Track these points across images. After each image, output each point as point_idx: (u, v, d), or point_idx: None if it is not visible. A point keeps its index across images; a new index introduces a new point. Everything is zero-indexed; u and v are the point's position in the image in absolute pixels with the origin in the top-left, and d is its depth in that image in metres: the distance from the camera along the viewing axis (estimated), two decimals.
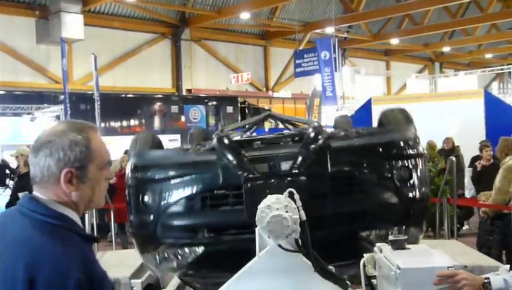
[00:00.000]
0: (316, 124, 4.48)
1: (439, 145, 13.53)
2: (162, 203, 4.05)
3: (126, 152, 14.95)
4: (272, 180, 3.79)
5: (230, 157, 3.93)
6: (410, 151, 4.20)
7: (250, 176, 3.80)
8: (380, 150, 4.15)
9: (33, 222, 1.89)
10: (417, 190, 4.07)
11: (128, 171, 4.29)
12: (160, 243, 4.09)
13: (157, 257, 4.14)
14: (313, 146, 4.00)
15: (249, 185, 3.75)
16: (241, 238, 3.86)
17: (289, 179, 3.76)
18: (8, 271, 1.83)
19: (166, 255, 4.10)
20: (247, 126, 5.31)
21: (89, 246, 1.97)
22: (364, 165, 4.07)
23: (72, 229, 1.93)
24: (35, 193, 1.95)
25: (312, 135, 4.10)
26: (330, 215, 3.88)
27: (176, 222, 4.04)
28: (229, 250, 3.92)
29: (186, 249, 4.02)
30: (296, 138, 4.42)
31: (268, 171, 3.93)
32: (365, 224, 4.01)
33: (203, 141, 5.28)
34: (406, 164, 4.12)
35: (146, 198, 4.11)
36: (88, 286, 1.79)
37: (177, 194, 4.02)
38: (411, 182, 4.08)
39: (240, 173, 3.84)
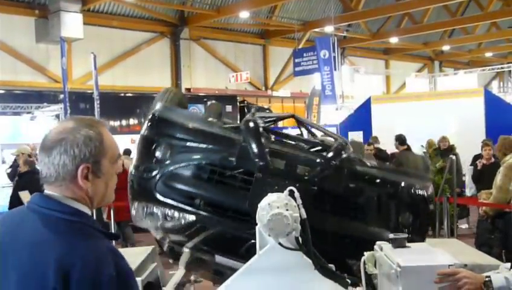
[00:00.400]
0: (342, 140, 4.40)
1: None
2: (172, 161, 4.04)
3: (126, 152, 14.96)
4: (284, 179, 3.76)
5: (252, 142, 3.90)
6: (419, 203, 4.17)
7: (265, 167, 3.78)
8: (393, 189, 4.13)
9: (49, 219, 1.87)
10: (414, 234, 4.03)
11: (149, 118, 4.26)
12: (155, 198, 4.09)
13: (146, 209, 4.16)
14: (333, 161, 3.98)
15: (261, 175, 3.74)
16: (233, 222, 3.86)
17: (300, 184, 3.73)
18: (34, 272, 1.79)
19: (156, 211, 4.11)
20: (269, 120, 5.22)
21: (112, 242, 1.97)
22: (373, 196, 4.07)
23: (91, 225, 1.93)
24: (47, 191, 1.93)
25: (336, 150, 4.07)
26: (328, 230, 3.88)
27: (179, 184, 4.03)
28: (219, 230, 3.93)
29: (177, 213, 4.02)
30: (319, 148, 4.39)
31: (283, 169, 3.90)
32: (352, 249, 3.96)
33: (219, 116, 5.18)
34: (412, 212, 4.11)
35: (158, 150, 4.09)
36: (119, 283, 1.79)
37: (189, 158, 4.00)
38: (410, 226, 4.07)
39: (256, 160, 3.81)
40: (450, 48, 35.25)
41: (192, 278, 5.30)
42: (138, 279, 4.24)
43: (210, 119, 4.46)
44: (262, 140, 4.00)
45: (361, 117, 18.79)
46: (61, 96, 16.31)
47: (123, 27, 22.91)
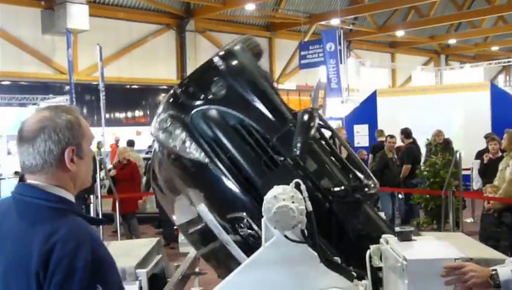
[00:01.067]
0: (373, 182, 4.24)
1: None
2: (221, 101, 3.88)
3: (130, 143, 15.00)
4: (306, 180, 3.66)
5: (301, 131, 3.82)
6: None
7: (297, 159, 3.71)
8: None
9: (34, 207, 1.92)
10: None
11: (224, 54, 4.07)
12: (188, 114, 3.94)
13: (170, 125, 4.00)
14: (356, 195, 3.87)
15: (290, 163, 3.67)
16: (238, 186, 3.76)
17: (317, 194, 3.69)
18: (19, 259, 1.85)
19: (178, 132, 3.94)
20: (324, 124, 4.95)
21: (94, 229, 2.02)
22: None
23: (76, 211, 1.99)
24: (31, 181, 1.98)
25: (362, 185, 3.98)
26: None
27: (215, 126, 3.88)
28: (222, 186, 3.83)
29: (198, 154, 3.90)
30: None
31: (311, 171, 3.81)
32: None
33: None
34: None
35: (216, 85, 3.88)
36: (95, 269, 1.82)
37: (238, 109, 3.86)
38: None
39: (294, 149, 3.74)
40: (456, 41, 35.12)
41: (197, 270, 5.32)
42: (143, 271, 4.25)
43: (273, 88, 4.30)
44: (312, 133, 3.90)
45: (367, 110, 18.76)
46: (67, 87, 16.39)
47: (129, 19, 22.90)
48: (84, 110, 21.82)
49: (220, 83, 3.89)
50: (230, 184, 3.71)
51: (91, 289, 1.80)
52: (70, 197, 2.00)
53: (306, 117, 3.85)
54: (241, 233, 3.65)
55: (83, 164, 2.03)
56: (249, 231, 3.61)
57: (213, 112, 3.86)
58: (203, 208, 3.73)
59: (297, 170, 3.59)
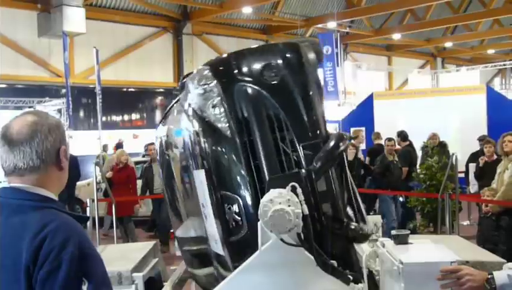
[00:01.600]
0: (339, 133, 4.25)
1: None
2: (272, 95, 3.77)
3: (118, 147, 14.94)
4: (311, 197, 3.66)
5: (330, 149, 3.66)
6: None
7: (311, 173, 3.66)
8: None
9: (22, 209, 1.95)
10: None
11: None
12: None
13: None
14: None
15: (305, 173, 3.61)
16: (247, 171, 3.70)
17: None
18: (10, 256, 1.89)
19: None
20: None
21: (81, 225, 2.06)
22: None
23: (61, 210, 2.03)
24: (13, 183, 2.01)
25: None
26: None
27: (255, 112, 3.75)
28: (234, 166, 3.79)
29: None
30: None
31: (320, 190, 3.79)
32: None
33: None
34: None
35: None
36: (81, 263, 1.87)
37: (282, 106, 3.75)
38: None
39: (316, 162, 3.67)
40: (452, 44, 35.18)
41: None
42: (139, 274, 4.25)
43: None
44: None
45: (364, 113, 18.79)
46: (63, 90, 16.36)
47: (126, 22, 22.87)
48: (81, 114, 21.80)
49: (275, 70, 3.78)
50: (239, 165, 3.66)
51: (76, 281, 1.85)
52: (54, 197, 2.05)
53: (338, 139, 3.78)
54: (226, 214, 3.60)
55: (67, 163, 2.11)
56: (235, 215, 3.57)
57: (255, 93, 3.74)
58: (201, 174, 3.70)
59: (307, 183, 3.53)
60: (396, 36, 30.52)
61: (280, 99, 3.74)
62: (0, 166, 2.05)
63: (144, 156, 14.94)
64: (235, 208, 3.56)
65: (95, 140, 16.01)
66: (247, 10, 24.15)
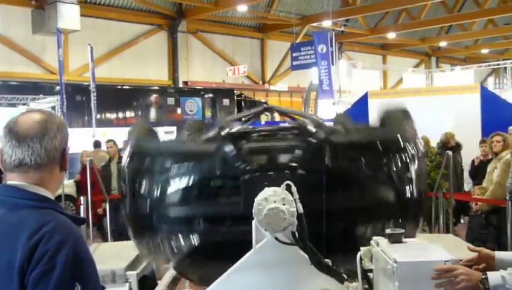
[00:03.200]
0: (315, 117, 4.43)
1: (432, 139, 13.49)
2: (159, 192, 4.00)
3: (96, 145, 14.68)
4: (270, 173, 3.75)
5: (228, 148, 3.89)
6: (409, 150, 4.13)
7: (248, 167, 3.78)
8: (379, 147, 4.09)
9: (20, 207, 1.94)
10: (414, 187, 4.01)
11: (125, 159, 4.23)
12: (156, 231, 4.05)
13: (152, 244, 4.11)
14: (312, 140, 3.96)
15: (246, 176, 3.72)
16: (237, 229, 3.82)
17: (287, 172, 3.73)
18: (5, 253, 1.87)
19: (161, 243, 4.07)
20: (245, 118, 5.22)
21: (77, 227, 2.05)
22: (363, 161, 4.02)
23: (59, 210, 2.01)
24: (11, 181, 1.99)
25: (311, 128, 4.07)
26: (327, 209, 3.83)
27: (172, 212, 4.00)
28: (225, 241, 3.89)
29: (182, 239, 3.98)
30: (296, 131, 4.36)
31: (266, 164, 3.90)
32: (361, 219, 3.96)
33: (199, 132, 5.17)
34: (404, 161, 4.06)
35: (143, 187, 4.05)
36: (75, 266, 1.85)
37: (174, 183, 3.97)
38: (408, 179, 4.02)
39: (237, 164, 3.80)
40: (447, 44, 35.32)
41: None
42: (133, 272, 4.23)
43: (181, 138, 4.41)
44: (240, 142, 3.96)
45: (358, 112, 18.70)
46: (57, 88, 16.27)
47: (121, 19, 22.84)
48: (75, 111, 21.72)
49: (145, 181, 4.09)
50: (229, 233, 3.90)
51: (68, 285, 1.83)
52: (52, 197, 2.04)
53: (222, 134, 4.09)
54: None
55: (68, 166, 2.10)
56: None
57: (162, 205, 4.06)
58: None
59: (255, 174, 3.75)
60: (391, 35, 30.58)
61: None
62: None
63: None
64: None
65: (89, 138, 15.94)
66: (242, 8, 24.14)
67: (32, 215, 1.91)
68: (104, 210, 10.00)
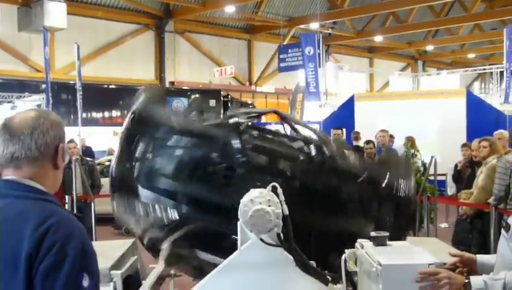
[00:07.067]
0: (324, 136, 4.41)
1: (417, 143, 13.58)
2: (153, 158, 3.99)
3: (71, 141, 14.60)
4: (266, 175, 3.74)
5: (234, 138, 3.86)
6: (402, 200, 4.18)
7: (246, 163, 3.75)
8: (376, 186, 4.13)
9: (21, 200, 1.94)
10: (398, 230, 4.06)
11: (131, 115, 4.21)
12: (136, 193, 4.04)
13: (127, 204, 4.11)
14: (317, 157, 3.96)
15: (242, 171, 3.71)
16: (215, 218, 3.81)
17: (282, 179, 3.72)
18: (10, 243, 1.86)
19: (137, 206, 4.07)
20: (251, 115, 5.15)
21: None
22: (355, 193, 4.06)
23: (59, 205, 2.02)
24: (7, 176, 1.99)
25: (318, 146, 4.05)
26: (309, 226, 3.86)
27: (160, 181, 3.99)
28: (200, 226, 3.88)
29: (158, 209, 3.98)
30: (301, 144, 4.34)
31: (265, 165, 3.88)
32: (333, 245, 3.97)
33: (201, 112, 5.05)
34: (394, 209, 4.12)
35: (140, 146, 4.04)
36: (83, 258, 1.89)
37: (171, 154, 3.96)
38: (392, 222, 4.08)
39: (237, 156, 3.77)
40: (433, 48, 35.50)
41: (172, 272, 5.28)
42: (118, 272, 4.21)
43: (191, 116, 4.39)
44: (245, 136, 3.97)
45: (344, 115, 18.84)
46: (43, 86, 16.17)
47: (107, 18, 22.73)
48: (61, 110, 21.59)
49: (143, 143, 4.12)
50: (207, 220, 3.94)
51: (78, 276, 1.85)
52: (51, 193, 2.04)
53: (230, 122, 4.11)
54: None
55: (62, 163, 2.09)
56: None
57: (151, 169, 4.13)
58: (203, 256, 3.83)
59: (251, 172, 3.74)
60: (378, 38, 30.71)
61: None
62: None
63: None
64: None
65: (74, 136, 15.85)
66: (230, 9, 24.13)
67: (36, 206, 1.92)
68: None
